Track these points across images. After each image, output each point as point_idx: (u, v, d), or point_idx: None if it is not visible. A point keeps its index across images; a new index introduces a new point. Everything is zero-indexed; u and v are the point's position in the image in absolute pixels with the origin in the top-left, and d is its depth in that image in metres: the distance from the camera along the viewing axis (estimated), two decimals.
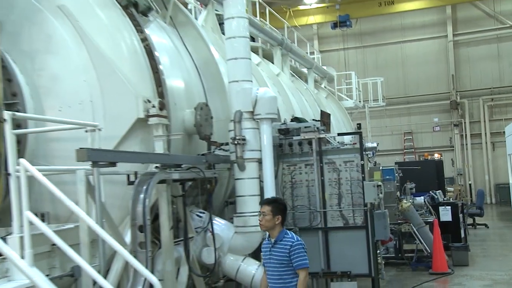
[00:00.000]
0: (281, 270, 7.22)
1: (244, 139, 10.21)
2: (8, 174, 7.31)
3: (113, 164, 8.29)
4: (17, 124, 8.03)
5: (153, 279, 7.27)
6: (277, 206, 7.52)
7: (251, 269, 10.23)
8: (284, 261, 7.22)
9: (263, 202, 7.88)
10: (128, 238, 8.58)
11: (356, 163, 11.38)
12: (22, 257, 6.66)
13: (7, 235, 7.01)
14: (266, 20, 21.48)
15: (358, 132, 12.50)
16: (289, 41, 21.88)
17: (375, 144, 18.88)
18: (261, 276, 10.05)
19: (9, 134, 7.19)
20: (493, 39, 39.83)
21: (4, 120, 7.23)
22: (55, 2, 9.54)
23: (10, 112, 7.31)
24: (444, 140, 40.46)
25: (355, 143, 11.67)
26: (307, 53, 25.78)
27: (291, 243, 7.26)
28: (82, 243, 8.06)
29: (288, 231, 7.53)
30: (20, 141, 8.55)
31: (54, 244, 7.34)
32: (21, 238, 6.92)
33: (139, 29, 9.99)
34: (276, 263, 7.31)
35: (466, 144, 39.98)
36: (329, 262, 11.22)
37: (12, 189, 7.03)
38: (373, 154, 17.13)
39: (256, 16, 20.08)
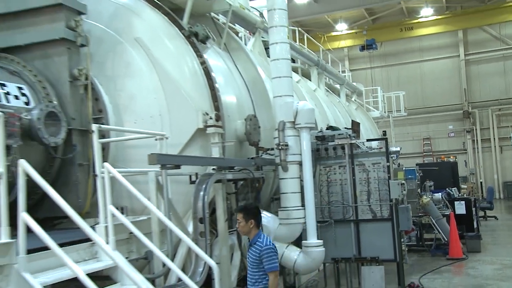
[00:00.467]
0: (254, 270, 6.84)
1: (287, 145, 10.21)
2: (95, 176, 7.46)
3: (178, 166, 8.38)
4: (102, 134, 8.18)
5: (212, 262, 7.35)
6: (247, 212, 7.10)
7: (293, 254, 10.20)
8: (255, 262, 6.81)
9: (236, 210, 7.39)
10: (190, 228, 8.64)
11: (382, 164, 11.29)
12: (107, 243, 6.79)
13: (95, 224, 7.14)
14: (304, 45, 21.43)
15: (384, 138, 12.38)
16: (324, 62, 21.80)
17: (398, 148, 18.74)
18: (304, 260, 10.13)
19: (96, 143, 7.34)
20: (499, 57, 39.20)
21: (92, 131, 7.40)
22: (132, 35, 9.74)
23: (97, 125, 7.49)
24: (458, 144, 39.88)
25: (382, 148, 11.60)
26: (339, 71, 25.67)
27: (260, 248, 6.80)
28: (153, 232, 8.20)
29: (262, 235, 7.05)
30: (104, 148, 8.69)
31: (131, 233, 7.44)
32: (106, 227, 7.07)
33: (198, 54, 10.08)
34: (251, 262, 6.94)
35: (477, 148, 39.34)
36: (360, 249, 11.12)
37: (99, 187, 7.20)
38: (396, 156, 16.96)
39: (296, 41, 20.10)
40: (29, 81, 8.64)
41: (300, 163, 10.31)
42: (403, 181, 13.11)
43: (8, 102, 7.94)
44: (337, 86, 24.77)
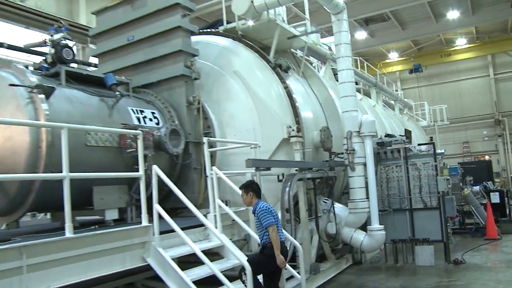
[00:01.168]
0: (258, 230, 6.42)
1: (353, 150, 10.09)
2: (206, 176, 7.64)
3: (268, 168, 8.48)
4: (211, 145, 8.39)
5: (296, 243, 7.38)
6: (246, 187, 6.73)
7: (360, 237, 10.04)
8: (257, 223, 6.41)
9: (239, 188, 6.96)
10: (279, 216, 8.68)
11: (431, 164, 10.93)
12: (216, 227, 6.95)
13: (207, 214, 7.33)
14: (364, 70, 21.12)
15: (431, 143, 11.99)
16: (381, 83, 21.36)
17: (443, 151, 18.11)
18: (368, 241, 9.95)
19: (206, 152, 7.54)
20: None
21: (204, 143, 7.61)
22: (232, 69, 9.99)
23: (206, 138, 7.75)
24: (491, 146, 37.96)
25: (429, 150, 11.23)
26: (393, 90, 25.13)
27: (257, 212, 6.37)
28: (250, 219, 8.25)
29: (259, 202, 6.51)
30: (212, 156, 8.88)
31: (233, 220, 7.58)
32: (215, 216, 7.24)
33: (282, 81, 10.17)
34: (256, 224, 6.53)
35: (507, 149, 37.41)
36: (414, 232, 10.81)
37: (209, 185, 7.41)
38: (441, 157, 16.38)
39: (357, 68, 19.86)
40: (159, 107, 9.06)
41: (364, 164, 10.16)
42: (448, 177, 12.73)
43: (145, 123, 8.36)
44: (392, 102, 24.26)
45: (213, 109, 9.85)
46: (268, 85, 10.00)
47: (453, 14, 28.33)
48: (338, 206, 10.35)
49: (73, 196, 5.23)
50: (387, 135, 13.61)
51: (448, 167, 15.16)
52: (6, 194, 6.75)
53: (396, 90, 28.94)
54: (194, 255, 6.20)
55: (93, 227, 6.68)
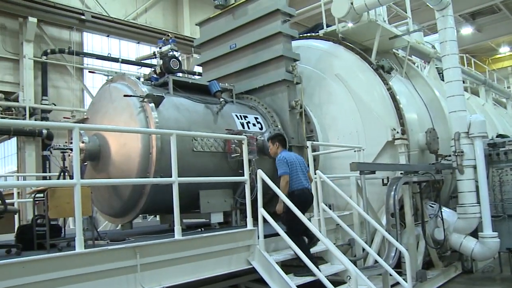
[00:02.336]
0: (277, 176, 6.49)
1: (462, 152, 9.51)
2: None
3: (373, 172, 8.25)
4: (314, 148, 8.27)
5: (402, 248, 7.06)
6: (273, 138, 6.95)
7: (471, 244, 9.40)
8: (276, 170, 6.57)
9: (267, 139, 7.21)
10: (383, 221, 8.41)
11: None
12: (320, 231, 6.85)
13: (310, 217, 7.22)
14: (472, 67, 19.92)
15: None
16: (490, 80, 20.04)
17: None
18: (480, 249, 9.31)
19: (310, 155, 7.47)
20: None
21: (307, 147, 7.54)
22: (333, 72, 9.89)
23: (310, 142, 7.71)
24: None
25: None
26: (505, 87, 23.41)
27: (276, 160, 6.60)
28: (355, 224, 8.12)
29: (283, 152, 6.74)
30: (315, 159, 8.80)
31: (337, 224, 7.47)
32: (319, 220, 7.15)
33: (385, 82, 9.85)
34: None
35: None
36: None
37: (313, 189, 7.23)
38: None
39: (464, 66, 18.76)
40: (262, 112, 9.20)
41: (474, 167, 9.53)
42: None
43: (248, 128, 8.49)
44: (504, 100, 22.65)
45: (315, 112, 9.81)
46: (371, 87, 9.76)
47: None
48: (446, 211, 9.81)
49: (181, 199, 5.40)
50: (499, 136, 12.69)
51: None
52: (121, 197, 7.18)
53: (508, 87, 26.92)
54: (297, 258, 6.15)
55: (199, 229, 6.88)
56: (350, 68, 9.94)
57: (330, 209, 7.69)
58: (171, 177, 5.41)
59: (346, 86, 9.63)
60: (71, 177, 6.16)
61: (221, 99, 8.39)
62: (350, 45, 10.48)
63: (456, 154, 9.57)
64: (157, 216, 10.74)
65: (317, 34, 11.28)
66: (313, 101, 9.88)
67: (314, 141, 9.08)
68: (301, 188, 6.44)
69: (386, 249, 8.04)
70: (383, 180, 8.75)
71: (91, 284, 4.52)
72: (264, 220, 6.20)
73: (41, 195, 5.76)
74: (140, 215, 8.77)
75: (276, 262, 5.98)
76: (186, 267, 5.36)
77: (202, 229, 7.01)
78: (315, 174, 7.33)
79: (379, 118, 9.30)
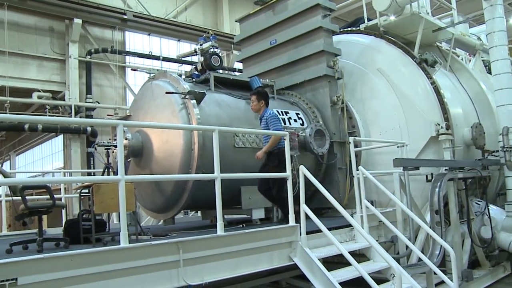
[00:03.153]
0: (264, 136, 6.96)
1: (511, 147, 9.18)
2: (351, 176, 7.36)
3: (417, 168, 8.05)
4: (356, 144, 8.10)
5: (448, 246, 6.82)
6: (259, 93, 7.16)
7: None
8: (265, 129, 6.92)
9: (251, 94, 7.30)
10: (427, 218, 8.19)
11: None
12: (363, 228, 6.73)
13: (352, 214, 7.08)
14: None
15: None
16: None
17: None
18: None
19: (352, 151, 7.33)
20: None
21: (349, 142, 7.41)
22: (375, 66, 9.70)
23: (352, 137, 7.51)
24: None
25: None
26: None
27: (266, 117, 6.92)
28: (398, 220, 7.93)
29: (267, 109, 7.09)
30: (357, 155, 8.64)
31: (380, 221, 7.32)
32: (361, 216, 7.02)
33: (428, 76, 9.59)
34: (263, 128, 6.98)
35: None
36: None
37: (355, 185, 7.15)
38: None
39: None
40: (303, 108, 9.14)
41: None
42: None
43: (290, 124, 8.45)
44: None
45: (357, 108, 9.64)
46: (414, 81, 9.51)
47: None
48: (493, 208, 9.49)
49: (222, 195, 5.39)
50: None
51: None
52: (163, 193, 7.25)
53: None
54: (338, 255, 6.06)
55: (240, 225, 6.86)
56: (393, 62, 9.72)
57: (372, 205, 7.54)
58: (213, 173, 5.41)
59: (388, 81, 9.42)
60: (115, 173, 6.30)
61: None
62: (392, 39, 10.25)
63: (505, 149, 9.26)
64: (198, 211, 10.90)
65: (358, 28, 11.08)
66: (355, 96, 9.71)
67: (356, 136, 8.93)
68: (280, 146, 6.71)
69: (430, 247, 7.83)
70: (427, 176, 8.51)
71: (136, 278, 4.57)
72: (307, 216, 6.13)
73: (87, 190, 5.89)
74: (182, 211, 8.85)
75: (318, 259, 5.90)
76: (228, 263, 5.36)
77: (244, 225, 7.01)
78: (357, 170, 7.18)
79: (422, 113, 9.06)
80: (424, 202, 8.56)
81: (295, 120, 8.68)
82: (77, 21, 15.93)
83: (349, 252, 5.81)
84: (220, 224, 5.35)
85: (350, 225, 6.60)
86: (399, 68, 9.62)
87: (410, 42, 10.55)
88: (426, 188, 8.41)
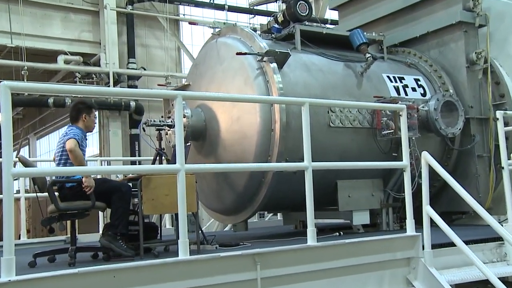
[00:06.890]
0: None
1: None
2: (502, 168, 7.09)
3: None
4: (506, 122, 7.86)
5: None
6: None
7: None
8: None
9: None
10: None
11: None
12: None
13: (501, 222, 6.84)
14: None
15: None
16: None
17: None
18: None
19: (501, 131, 7.04)
20: None
21: (496, 119, 7.11)
22: None
23: (500, 112, 7.10)
24: None
25: None
26: None
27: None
28: None
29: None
30: (508, 138, 8.07)
31: None
32: None
33: None
34: None
35: None
36: None
37: (505, 181, 6.82)
38: None
39: None
40: (424, 71, 8.99)
41: None
42: None
43: (406, 94, 8.32)
44: None
45: (509, 68, 9.22)
46: None
47: None
48: None
49: (314, 192, 5.41)
50: None
51: None
52: (233, 189, 7.39)
53: None
54: (480, 282, 5.98)
55: (336, 234, 6.87)
56: None
57: None
58: (302, 161, 5.43)
59: None
60: (169, 162, 6.47)
61: (368, 55, 8.24)
62: None
63: None
64: (278, 214, 11.01)
65: None
66: (506, 51, 9.30)
67: (506, 110, 8.51)
68: None
69: None
70: None
71: None
72: (432, 223, 6.03)
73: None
74: (257, 213, 8.97)
75: (450, 285, 5.79)
76: (321, 284, 5.39)
77: (341, 232, 7.01)
78: (509, 159, 6.91)
79: None
80: None
81: (414, 89, 8.53)
82: None
83: (499, 279, 5.66)
84: (311, 231, 5.38)
85: (499, 239, 6.47)
86: None
87: None
88: None
